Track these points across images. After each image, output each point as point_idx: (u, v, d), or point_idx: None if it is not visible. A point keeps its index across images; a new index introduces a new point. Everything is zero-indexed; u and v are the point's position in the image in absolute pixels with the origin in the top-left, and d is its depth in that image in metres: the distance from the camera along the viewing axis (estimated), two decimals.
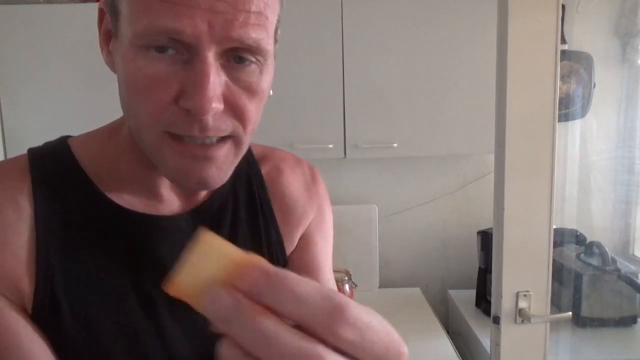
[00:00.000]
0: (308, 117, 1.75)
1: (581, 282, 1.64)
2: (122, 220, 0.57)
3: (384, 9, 1.72)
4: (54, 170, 0.57)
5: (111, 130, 0.61)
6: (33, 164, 0.56)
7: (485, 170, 2.09)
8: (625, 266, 1.71)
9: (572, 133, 2.02)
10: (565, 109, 1.99)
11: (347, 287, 1.80)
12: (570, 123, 2.01)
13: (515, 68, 1.19)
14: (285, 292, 0.28)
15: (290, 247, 0.70)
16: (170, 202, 0.61)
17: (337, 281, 1.82)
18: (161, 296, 0.58)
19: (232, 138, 0.51)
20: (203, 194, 0.63)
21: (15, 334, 0.52)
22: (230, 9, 0.44)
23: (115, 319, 0.56)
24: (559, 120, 1.34)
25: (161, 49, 0.46)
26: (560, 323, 1.61)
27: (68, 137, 0.62)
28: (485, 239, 1.85)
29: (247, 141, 0.53)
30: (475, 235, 1.94)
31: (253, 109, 0.50)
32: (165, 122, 0.48)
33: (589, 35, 1.97)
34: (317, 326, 0.28)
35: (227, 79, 0.48)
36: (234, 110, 0.49)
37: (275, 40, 0.52)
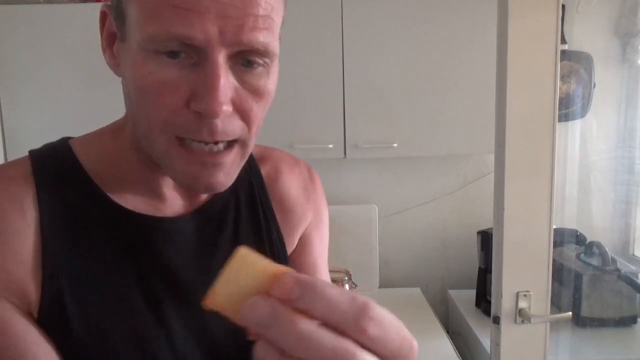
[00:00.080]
0: (308, 117, 1.75)
1: (581, 282, 1.64)
2: (126, 222, 0.57)
3: (384, 9, 1.72)
4: (57, 173, 0.56)
5: (113, 131, 0.60)
6: (36, 167, 0.56)
7: (485, 170, 2.09)
8: (625, 266, 1.71)
9: (572, 133, 2.02)
10: (565, 109, 1.99)
11: (347, 287, 1.80)
12: (570, 123, 2.01)
13: (515, 68, 1.19)
14: (317, 296, 0.32)
15: (290, 247, 0.71)
16: (172, 202, 0.61)
17: (337, 281, 1.83)
18: (167, 297, 0.58)
19: (239, 142, 0.52)
20: (204, 195, 0.63)
21: (21, 340, 0.52)
22: (240, 13, 0.45)
23: (122, 320, 0.56)
24: (559, 120, 1.34)
25: (172, 54, 0.46)
26: (560, 323, 1.61)
27: (69, 138, 0.61)
28: (485, 239, 1.85)
29: (252, 144, 0.54)
30: (475, 235, 1.94)
31: (259, 112, 0.51)
32: (175, 127, 0.49)
33: (589, 35, 1.97)
34: (346, 324, 0.32)
35: (235, 81, 0.48)
36: (241, 112, 0.50)
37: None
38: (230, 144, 0.51)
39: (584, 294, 1.65)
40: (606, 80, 1.98)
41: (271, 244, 0.67)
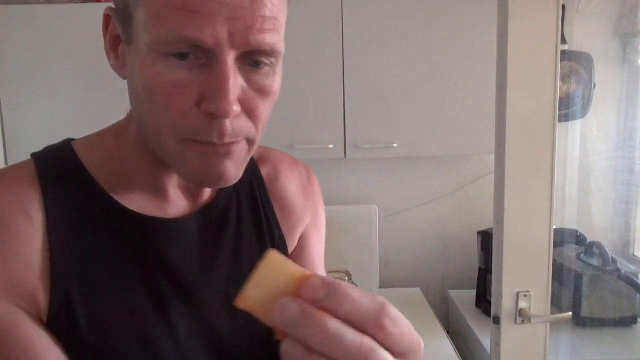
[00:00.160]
0: (308, 117, 1.75)
1: (581, 282, 1.64)
2: (130, 223, 0.58)
3: (384, 9, 1.72)
4: (61, 176, 0.56)
5: (116, 132, 0.61)
6: (40, 170, 0.56)
7: (485, 170, 2.09)
8: (625, 266, 1.71)
9: (572, 133, 2.02)
10: (565, 109, 1.99)
11: None
12: (570, 123, 2.01)
13: (515, 68, 1.19)
14: (341, 296, 0.34)
15: (291, 246, 0.71)
16: (176, 202, 0.61)
17: None
18: (171, 297, 0.58)
19: (246, 138, 0.53)
20: (207, 195, 0.64)
21: (31, 344, 0.52)
22: (248, 15, 0.46)
23: (128, 320, 0.56)
24: (559, 120, 1.34)
25: (180, 56, 0.47)
26: (560, 323, 1.61)
27: (71, 139, 0.61)
28: (485, 239, 1.85)
29: (258, 141, 0.54)
30: (475, 235, 1.94)
31: (265, 110, 0.52)
32: (184, 128, 0.49)
33: (589, 35, 1.97)
34: (367, 322, 0.34)
35: (242, 82, 0.49)
36: (248, 112, 0.51)
37: None
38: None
39: (584, 294, 1.65)
40: (606, 80, 1.98)
41: (273, 243, 0.68)
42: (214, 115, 0.48)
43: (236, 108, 0.48)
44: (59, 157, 0.58)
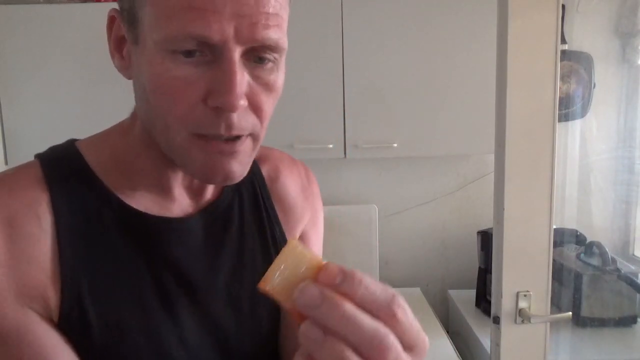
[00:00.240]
0: (308, 117, 1.75)
1: (581, 282, 1.64)
2: (137, 223, 0.58)
3: (384, 9, 1.72)
4: (68, 176, 0.57)
5: (120, 132, 0.61)
6: (46, 171, 0.56)
7: (485, 170, 2.09)
8: (625, 266, 1.71)
9: (572, 133, 2.02)
10: (565, 109, 1.99)
11: None
12: (570, 123, 2.01)
13: (515, 68, 1.19)
14: (357, 283, 0.36)
15: None
16: (180, 202, 0.62)
17: None
18: (179, 295, 0.59)
19: (251, 135, 0.54)
20: (210, 195, 0.65)
21: (43, 346, 0.52)
22: (253, 12, 0.47)
23: (137, 319, 0.57)
24: (559, 120, 1.34)
25: (188, 53, 0.48)
26: (560, 323, 1.61)
27: (74, 140, 0.62)
28: (485, 239, 1.85)
29: (262, 137, 0.55)
30: (475, 235, 1.94)
31: (270, 106, 0.53)
32: (193, 123, 0.50)
33: (589, 35, 1.97)
34: (379, 308, 0.36)
35: (248, 77, 0.50)
36: (254, 107, 0.52)
37: None
38: (242, 135, 0.53)
39: (584, 294, 1.65)
40: (606, 80, 1.98)
41: (274, 241, 0.69)
42: (222, 110, 0.49)
43: (243, 102, 0.49)
44: (64, 158, 0.58)
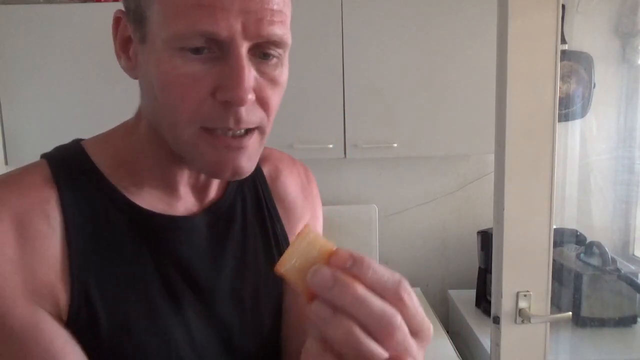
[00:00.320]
0: (308, 117, 1.75)
1: (581, 282, 1.64)
2: (145, 221, 0.59)
3: (384, 9, 1.72)
4: (76, 176, 0.57)
5: (125, 131, 0.62)
6: (55, 171, 0.57)
7: (485, 170, 2.09)
8: (625, 266, 1.71)
9: (572, 133, 2.02)
10: (565, 109, 1.99)
11: None
12: (570, 123, 2.01)
13: (515, 68, 1.19)
14: (366, 266, 0.39)
15: None
16: (186, 200, 0.63)
17: None
18: (184, 293, 0.60)
19: (258, 128, 0.55)
20: (213, 193, 0.66)
21: (51, 344, 0.52)
22: (259, 8, 0.49)
23: (145, 316, 0.57)
24: (559, 120, 1.33)
25: (196, 50, 0.49)
26: (560, 323, 1.61)
27: (80, 140, 0.62)
28: (485, 239, 1.85)
29: (269, 131, 0.57)
30: (475, 235, 1.94)
31: (276, 100, 0.55)
32: (202, 117, 0.51)
33: (589, 35, 1.97)
34: (387, 291, 0.39)
35: (254, 72, 0.52)
36: (260, 101, 0.53)
37: None
38: (250, 130, 0.54)
39: (584, 294, 1.65)
40: (606, 80, 1.98)
41: (276, 239, 0.70)
42: (231, 104, 0.50)
43: (251, 96, 0.50)
44: (71, 158, 0.59)
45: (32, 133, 1.72)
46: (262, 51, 0.51)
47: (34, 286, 0.52)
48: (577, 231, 1.85)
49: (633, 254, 1.97)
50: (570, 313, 1.36)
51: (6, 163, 1.74)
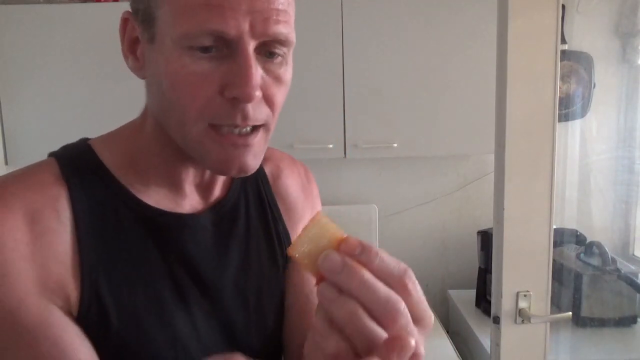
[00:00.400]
0: (308, 117, 1.75)
1: (581, 282, 1.64)
2: (153, 219, 0.60)
3: (384, 9, 1.72)
4: (84, 174, 0.58)
5: (131, 130, 0.63)
6: (63, 168, 0.58)
7: (485, 170, 2.09)
8: (625, 266, 1.71)
9: (572, 133, 2.02)
10: (565, 109, 1.99)
11: None
12: (570, 123, 2.01)
13: (515, 68, 1.19)
14: (373, 254, 0.41)
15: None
16: (191, 198, 0.64)
17: None
18: (191, 289, 0.61)
19: (264, 126, 0.56)
20: (218, 192, 0.67)
21: (60, 340, 0.53)
22: (265, 7, 0.50)
23: (153, 312, 0.58)
24: (559, 120, 1.34)
25: (204, 49, 0.51)
26: (560, 323, 1.61)
27: (87, 139, 0.63)
28: (485, 239, 1.85)
29: (273, 128, 0.58)
30: (475, 235, 1.94)
31: (281, 98, 0.56)
32: (210, 114, 0.53)
33: (589, 35, 1.97)
34: (392, 278, 0.41)
35: (261, 71, 0.53)
36: (266, 99, 0.55)
37: None
38: (255, 128, 0.55)
39: (584, 294, 1.65)
40: (606, 80, 1.98)
41: (278, 237, 0.71)
42: (238, 100, 0.52)
43: (258, 93, 0.52)
44: (79, 156, 0.60)
45: (32, 133, 1.72)
46: (268, 50, 0.53)
47: (45, 281, 0.53)
48: (577, 231, 1.85)
49: (633, 254, 1.97)
50: (570, 313, 1.36)
51: (6, 163, 1.74)
